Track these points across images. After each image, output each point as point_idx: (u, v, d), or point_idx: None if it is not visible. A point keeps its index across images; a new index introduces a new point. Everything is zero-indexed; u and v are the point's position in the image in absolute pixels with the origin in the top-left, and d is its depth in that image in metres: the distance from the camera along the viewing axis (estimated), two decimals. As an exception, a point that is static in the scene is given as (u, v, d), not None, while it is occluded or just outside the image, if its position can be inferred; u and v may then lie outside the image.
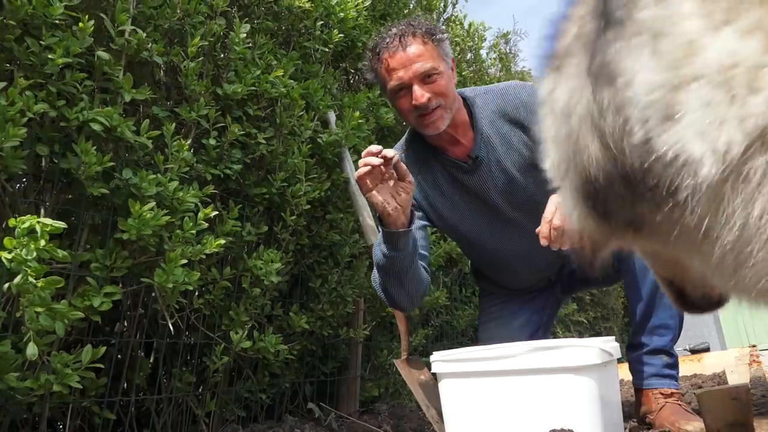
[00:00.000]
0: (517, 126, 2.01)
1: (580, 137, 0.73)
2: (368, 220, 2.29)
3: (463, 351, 1.86)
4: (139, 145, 1.51)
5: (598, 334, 5.32)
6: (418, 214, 2.05)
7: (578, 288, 2.43)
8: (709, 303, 0.92)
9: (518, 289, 2.28)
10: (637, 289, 1.90)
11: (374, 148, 1.65)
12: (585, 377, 1.54)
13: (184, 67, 1.67)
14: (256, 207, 1.99)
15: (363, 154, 1.65)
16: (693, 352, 4.95)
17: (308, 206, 2.06)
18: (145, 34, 1.57)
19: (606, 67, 0.63)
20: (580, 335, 4.99)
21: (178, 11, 1.70)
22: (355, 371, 2.58)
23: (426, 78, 1.81)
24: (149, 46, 1.59)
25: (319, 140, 2.24)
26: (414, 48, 1.82)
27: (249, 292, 1.83)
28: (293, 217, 2.01)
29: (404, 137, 2.17)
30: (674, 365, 1.89)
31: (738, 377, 2.50)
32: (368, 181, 1.65)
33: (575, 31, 0.73)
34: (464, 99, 2.03)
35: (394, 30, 1.85)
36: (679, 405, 1.80)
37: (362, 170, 1.63)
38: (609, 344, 1.62)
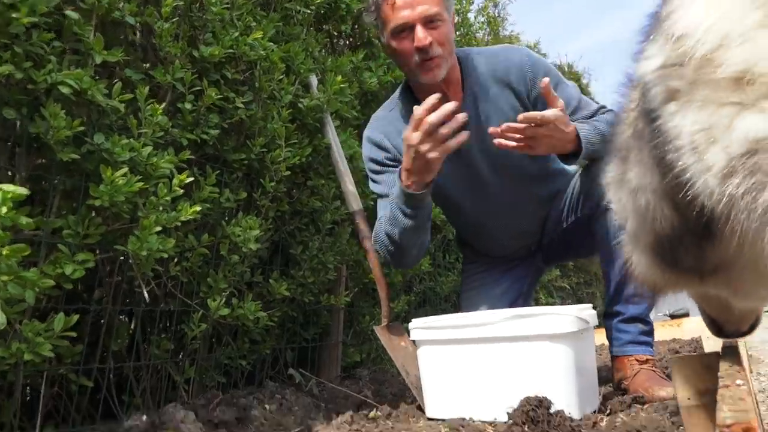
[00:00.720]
0: (507, 88, 2.01)
1: (651, 206, 0.95)
2: (350, 186, 2.27)
3: (441, 318, 1.87)
4: (111, 109, 1.46)
5: (580, 300, 5.39)
6: None
7: (559, 258, 2.45)
8: (740, 333, 1.30)
9: (500, 257, 2.29)
10: (612, 258, 1.91)
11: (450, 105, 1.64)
12: (561, 345, 1.56)
13: (158, 28, 1.62)
14: (234, 173, 1.96)
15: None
16: (672, 317, 5.02)
17: (288, 172, 2.03)
18: (116, -7, 1.52)
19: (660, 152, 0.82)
20: (563, 301, 5.05)
21: (151, -31, 1.64)
22: (337, 337, 2.59)
23: (430, 22, 1.82)
24: (121, 5, 1.54)
25: (300, 105, 2.20)
26: None
27: (227, 259, 1.82)
28: (273, 184, 1.99)
29: (393, 96, 2.17)
30: (649, 332, 1.91)
31: (714, 343, 2.53)
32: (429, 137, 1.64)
33: (630, 131, 0.97)
34: (457, 58, 2.01)
35: None
36: (654, 371, 1.82)
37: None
38: (585, 312, 1.64)
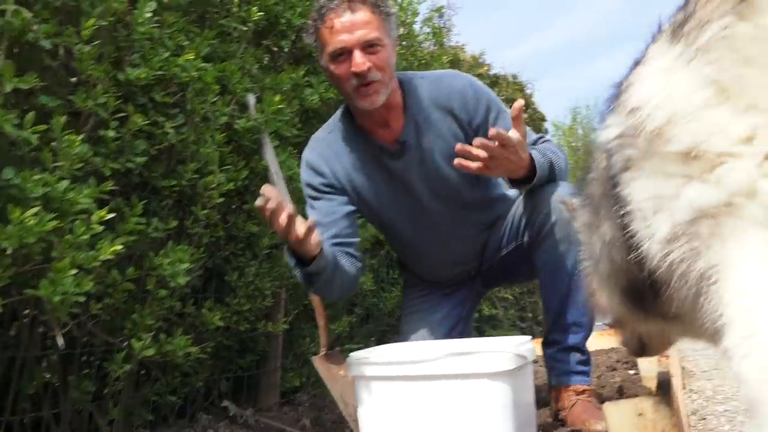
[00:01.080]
0: (449, 115, 1.99)
1: (622, 259, 1.01)
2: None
3: (379, 351, 1.83)
4: (22, 141, 1.36)
5: (523, 308, 5.46)
6: (343, 198, 2.01)
7: (498, 283, 2.45)
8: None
9: (439, 282, 2.27)
10: (552, 286, 1.91)
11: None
12: (499, 383, 1.54)
13: (78, 51, 1.51)
14: (164, 200, 1.86)
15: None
16: (611, 326, 5.14)
17: (222, 199, 1.95)
18: (31, 14, 1.41)
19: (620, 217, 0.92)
20: (506, 311, 5.10)
21: (71, -13, 1.53)
22: (276, 362, 2.52)
23: (369, 47, 1.79)
24: (35, 27, 1.43)
25: (236, 126, 2.12)
26: (362, 14, 1.79)
27: (155, 293, 1.72)
28: (205, 211, 1.90)
29: (334, 117, 2.11)
30: (587, 362, 1.92)
31: (648, 364, 2.59)
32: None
33: (601, 190, 1.05)
34: (399, 81, 1.98)
35: None
36: (590, 402, 1.83)
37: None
38: (524, 347, 1.62)
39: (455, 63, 4.94)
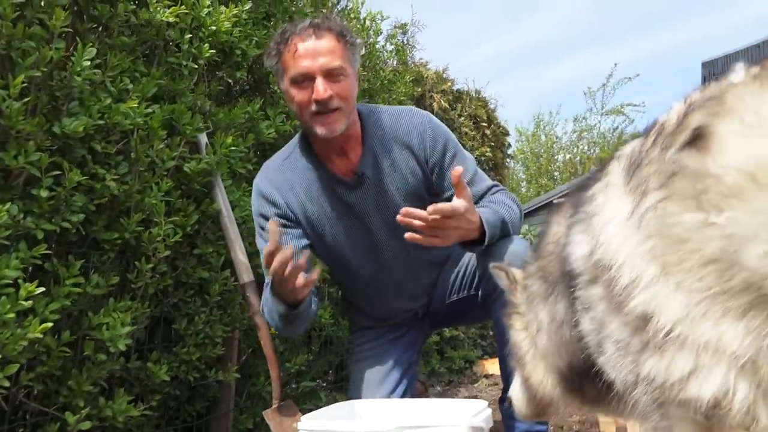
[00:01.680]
0: (407, 150, 1.97)
1: (572, 341, 1.08)
2: (241, 256, 2.12)
3: (330, 414, 1.77)
4: (-60, 212, 1.25)
5: (484, 326, 5.44)
6: (297, 231, 1.95)
7: (446, 325, 2.43)
8: None
9: (387, 323, 2.21)
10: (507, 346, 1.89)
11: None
12: (453, 456, 1.49)
13: (7, 108, 1.41)
14: (105, 254, 1.76)
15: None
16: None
17: (168, 252, 1.86)
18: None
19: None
20: (467, 329, 5.08)
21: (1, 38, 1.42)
22: (228, 405, 2.43)
23: (331, 75, 1.76)
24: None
25: (185, 169, 2.03)
26: (327, 42, 1.77)
27: (93, 358, 1.63)
28: (150, 265, 1.80)
29: (290, 143, 2.07)
30: (544, 421, 1.90)
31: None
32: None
33: (560, 270, 1.10)
34: (359, 113, 1.96)
35: (308, 20, 1.82)
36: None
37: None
38: (479, 417, 1.58)
39: (419, 80, 4.90)
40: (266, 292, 1.87)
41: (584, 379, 1.16)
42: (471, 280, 2.04)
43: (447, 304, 2.16)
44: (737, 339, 0.68)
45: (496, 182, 2.04)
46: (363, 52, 4.02)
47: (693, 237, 0.69)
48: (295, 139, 2.04)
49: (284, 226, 1.93)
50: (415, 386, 2.29)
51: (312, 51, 1.75)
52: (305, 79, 1.76)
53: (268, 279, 1.86)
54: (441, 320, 2.28)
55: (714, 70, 9.51)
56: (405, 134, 1.96)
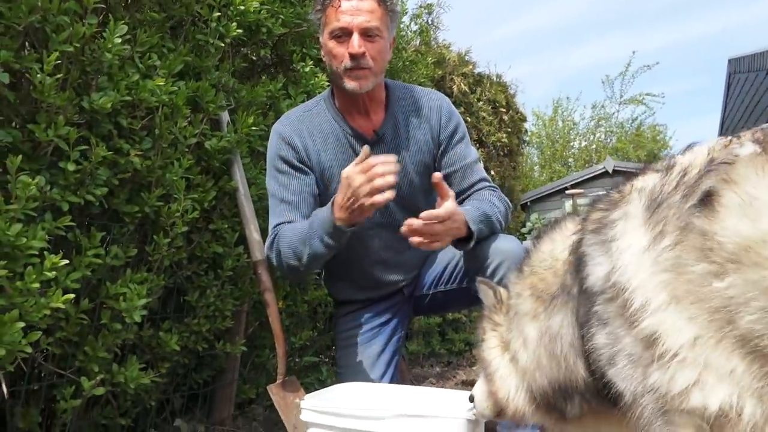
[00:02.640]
0: (426, 124, 2.11)
1: (564, 356, 1.15)
2: (255, 234, 2.17)
3: (331, 395, 1.84)
4: (-26, 182, 1.30)
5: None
6: (311, 178, 2.05)
7: (427, 312, 2.47)
8: None
9: (373, 299, 2.23)
10: None
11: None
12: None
13: (40, 82, 1.44)
14: (125, 227, 1.82)
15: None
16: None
17: (186, 228, 1.91)
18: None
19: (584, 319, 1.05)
20: (470, 312, 5.13)
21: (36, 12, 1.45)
22: (233, 375, 2.51)
23: (368, 35, 1.89)
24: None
25: (207, 146, 2.07)
26: (369, 3, 1.90)
27: (109, 326, 1.69)
28: (167, 240, 1.86)
29: (314, 98, 2.19)
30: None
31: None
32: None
33: (561, 281, 1.18)
34: (385, 84, 2.11)
35: None
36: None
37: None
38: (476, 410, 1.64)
39: (440, 62, 4.89)
40: (296, 231, 1.91)
41: (566, 398, 1.21)
42: (458, 274, 2.10)
43: (435, 293, 2.23)
44: (740, 371, 0.77)
45: (487, 177, 2.15)
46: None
47: (703, 285, 0.79)
48: (320, 96, 2.16)
49: (301, 171, 2.02)
50: (399, 367, 2.35)
51: (353, 9, 1.88)
52: (343, 34, 1.89)
53: (283, 224, 1.96)
54: (425, 307, 2.33)
55: (740, 67, 9.36)
56: (426, 109, 2.11)
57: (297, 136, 2.03)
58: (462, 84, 5.02)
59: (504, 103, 5.66)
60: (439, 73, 4.76)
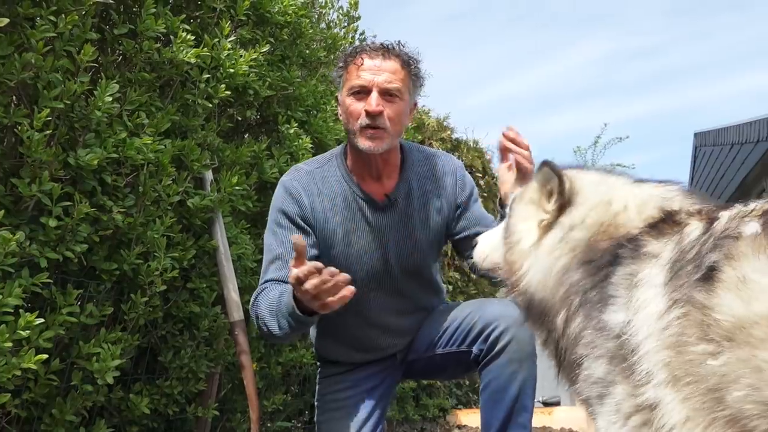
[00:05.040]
0: (441, 189, 2.06)
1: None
2: (233, 294, 2.15)
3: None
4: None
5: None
6: (312, 239, 1.92)
7: (417, 377, 2.39)
8: None
9: (363, 363, 2.17)
10: (492, 407, 1.89)
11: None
12: None
13: (28, 138, 1.44)
14: (102, 284, 1.78)
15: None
16: (545, 404, 5.20)
17: (165, 287, 1.88)
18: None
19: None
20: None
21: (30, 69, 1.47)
22: (203, 440, 2.42)
23: (388, 94, 1.84)
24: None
25: (189, 204, 2.06)
26: (392, 64, 1.85)
27: (80, 387, 1.63)
28: (144, 298, 1.82)
29: (326, 154, 2.10)
30: None
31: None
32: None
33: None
34: (401, 146, 2.04)
35: (381, 41, 1.91)
36: None
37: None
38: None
39: (420, 127, 4.99)
40: (270, 302, 1.80)
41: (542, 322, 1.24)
42: (466, 335, 2.03)
43: (430, 356, 2.14)
44: None
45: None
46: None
47: (701, 365, 0.82)
48: (333, 153, 2.08)
49: (301, 228, 1.91)
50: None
51: (375, 67, 1.84)
52: (362, 91, 1.83)
53: (267, 285, 1.86)
54: (417, 371, 2.22)
55: (706, 141, 9.74)
56: (441, 174, 2.07)
57: (305, 192, 1.94)
58: (440, 149, 5.13)
59: (480, 168, 5.78)
60: (419, 137, 4.86)
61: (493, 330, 1.89)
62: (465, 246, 1.99)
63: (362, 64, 1.84)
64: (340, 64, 1.93)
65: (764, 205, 0.89)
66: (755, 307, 0.78)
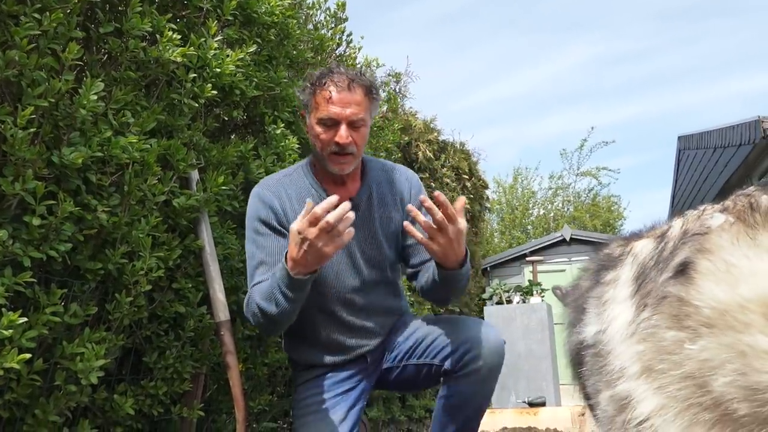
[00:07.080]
0: (398, 197, 2.20)
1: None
2: (219, 294, 2.14)
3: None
4: (-66, 234, 1.26)
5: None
6: (286, 241, 1.98)
7: (389, 387, 2.42)
8: None
9: (336, 364, 2.18)
10: (448, 419, 2.05)
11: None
12: None
13: (12, 136, 1.43)
14: (87, 284, 1.77)
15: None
16: (530, 404, 5.23)
17: (150, 287, 1.87)
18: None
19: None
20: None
21: (14, 66, 1.46)
22: (188, 441, 2.40)
23: (354, 125, 1.98)
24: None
25: (174, 204, 2.05)
26: (358, 95, 1.99)
27: (63, 388, 1.62)
28: (129, 298, 1.81)
29: (294, 165, 2.24)
30: None
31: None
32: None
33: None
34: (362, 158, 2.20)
35: (344, 70, 2.04)
36: None
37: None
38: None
39: (407, 128, 5.01)
40: (261, 288, 1.91)
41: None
42: (440, 349, 2.07)
43: (403, 366, 2.19)
44: None
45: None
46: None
47: (675, 352, 0.84)
48: (299, 164, 2.22)
49: (278, 232, 2.03)
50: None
51: (343, 102, 1.97)
52: (332, 123, 1.98)
53: (256, 283, 1.95)
54: (392, 381, 2.26)
55: (689, 144, 9.85)
56: (399, 181, 2.23)
57: (276, 198, 2.06)
58: (427, 150, 5.15)
59: (467, 170, 5.81)
60: (406, 139, 4.88)
61: (468, 351, 1.99)
62: (418, 250, 2.14)
63: (330, 98, 1.97)
64: (309, 88, 2.04)
65: (718, 205, 0.92)
66: (743, 290, 0.78)
